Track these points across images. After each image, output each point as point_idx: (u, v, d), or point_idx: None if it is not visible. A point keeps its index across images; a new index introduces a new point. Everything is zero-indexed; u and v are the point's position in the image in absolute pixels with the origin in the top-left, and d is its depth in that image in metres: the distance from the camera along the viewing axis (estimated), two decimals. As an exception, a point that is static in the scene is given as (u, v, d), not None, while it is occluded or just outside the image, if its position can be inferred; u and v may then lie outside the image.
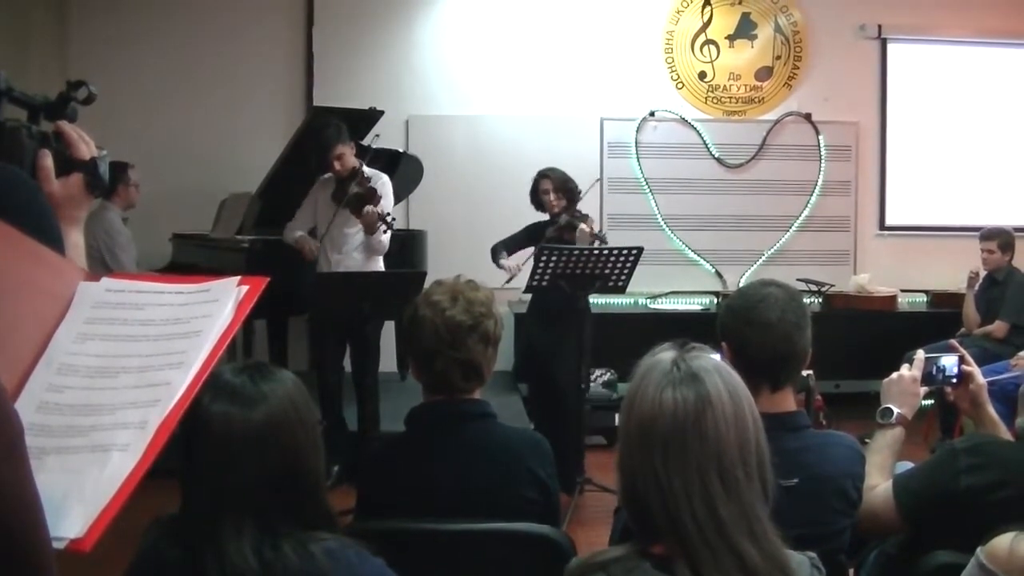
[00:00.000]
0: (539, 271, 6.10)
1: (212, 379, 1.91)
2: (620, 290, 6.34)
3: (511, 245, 6.90)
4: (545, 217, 6.85)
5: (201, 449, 1.87)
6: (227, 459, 1.86)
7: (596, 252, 6.14)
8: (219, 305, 1.68)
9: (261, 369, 1.99)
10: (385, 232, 6.28)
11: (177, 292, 1.73)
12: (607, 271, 6.14)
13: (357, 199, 6.25)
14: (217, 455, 1.87)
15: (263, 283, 1.73)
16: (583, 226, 6.53)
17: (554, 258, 6.06)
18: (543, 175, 6.83)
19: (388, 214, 6.26)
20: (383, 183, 6.46)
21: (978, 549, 2.11)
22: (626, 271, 6.18)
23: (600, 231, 6.65)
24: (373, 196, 6.24)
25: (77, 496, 1.45)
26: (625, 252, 6.13)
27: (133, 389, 1.58)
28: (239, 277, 1.75)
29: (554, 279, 6.11)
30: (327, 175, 6.52)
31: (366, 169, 6.45)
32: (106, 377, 1.61)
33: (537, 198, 6.83)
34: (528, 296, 6.83)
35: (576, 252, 6.10)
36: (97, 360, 1.62)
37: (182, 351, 1.62)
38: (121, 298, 1.71)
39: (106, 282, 1.73)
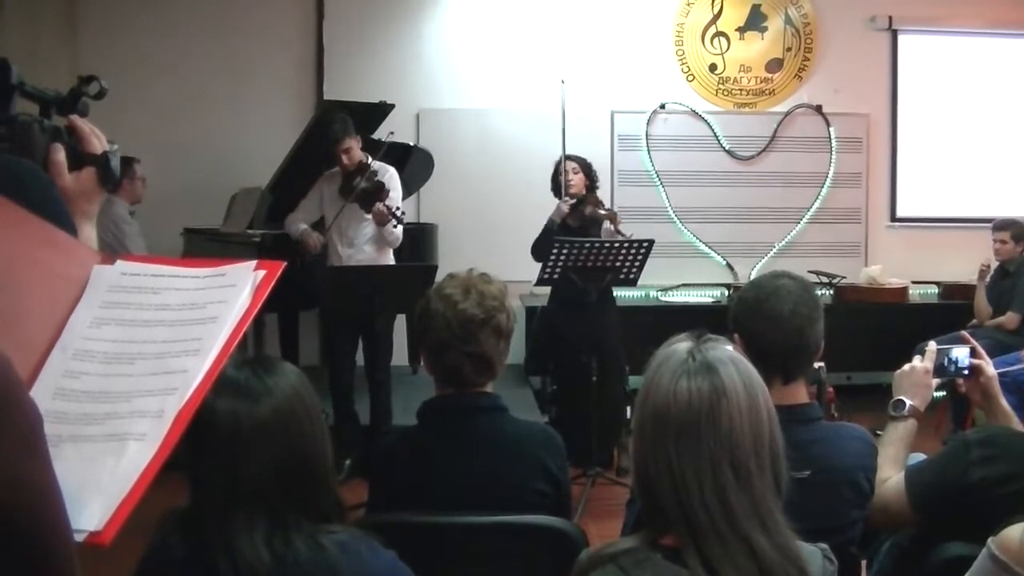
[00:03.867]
0: (551, 264, 6.10)
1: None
2: (631, 283, 6.35)
3: None
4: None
5: (209, 446, 1.87)
6: (236, 455, 1.86)
7: (608, 245, 6.14)
8: (236, 291, 1.66)
9: (264, 363, 1.99)
10: (396, 226, 6.28)
11: (193, 276, 1.71)
12: (618, 264, 6.14)
13: (364, 194, 6.26)
14: (226, 451, 1.87)
15: (280, 267, 1.70)
16: (608, 225, 6.55)
17: (565, 251, 6.06)
18: (567, 157, 6.87)
19: (398, 208, 6.26)
20: (390, 176, 6.47)
21: (989, 540, 2.10)
22: (637, 264, 6.18)
23: (630, 236, 6.64)
24: (381, 191, 6.25)
25: (94, 487, 1.43)
26: (636, 245, 6.13)
27: (150, 376, 1.56)
28: (255, 261, 1.72)
29: (565, 272, 6.10)
30: (334, 169, 6.53)
31: (373, 162, 6.46)
32: (122, 363, 1.59)
33: (557, 180, 6.84)
34: (539, 289, 6.84)
35: (588, 245, 6.10)
36: (113, 345, 1.60)
37: (198, 337, 1.60)
38: (136, 282, 1.69)
39: (121, 265, 1.71)
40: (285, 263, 1.72)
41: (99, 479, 1.45)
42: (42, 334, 1.58)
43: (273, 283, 1.68)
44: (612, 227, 6.55)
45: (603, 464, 6.37)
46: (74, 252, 1.68)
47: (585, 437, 6.07)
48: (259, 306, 1.66)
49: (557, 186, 6.87)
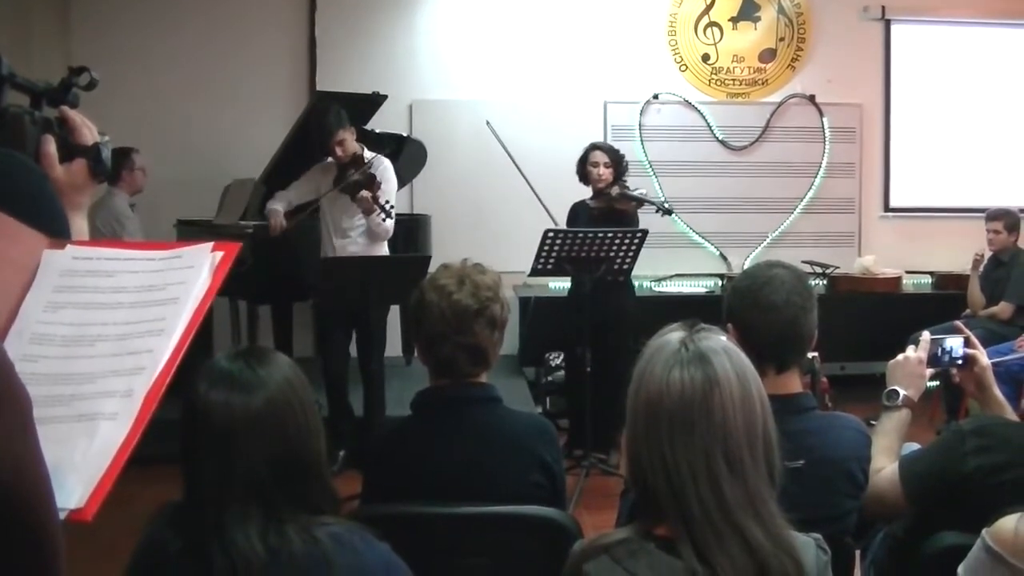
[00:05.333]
0: (544, 254, 6.09)
1: (208, 367, 1.92)
2: (625, 274, 6.34)
3: None
4: (577, 198, 6.87)
5: (203, 438, 1.88)
6: (230, 447, 1.87)
7: (600, 235, 6.12)
8: (195, 271, 1.67)
9: (256, 354, 1.99)
10: (385, 220, 6.26)
11: (148, 259, 1.72)
12: (612, 254, 6.13)
13: (356, 186, 6.24)
14: (220, 443, 1.88)
15: (236, 248, 1.71)
16: (641, 190, 6.52)
17: (559, 241, 6.05)
18: (595, 146, 6.81)
19: (388, 202, 6.25)
20: (384, 168, 6.45)
21: (983, 531, 2.11)
22: (631, 254, 6.17)
23: (663, 201, 6.62)
24: (372, 183, 6.23)
25: (69, 466, 1.45)
26: (630, 235, 6.12)
27: (113, 357, 1.57)
28: (212, 243, 1.72)
29: (559, 263, 6.10)
30: (328, 160, 6.51)
31: (367, 153, 6.45)
32: (82, 345, 1.60)
33: (584, 169, 6.74)
34: (533, 280, 6.84)
35: (580, 235, 6.09)
36: (71, 329, 1.61)
37: (161, 318, 1.61)
38: (90, 265, 1.69)
39: (72, 249, 1.71)
40: (240, 244, 1.74)
41: (72, 459, 1.46)
42: None
43: (230, 264, 1.69)
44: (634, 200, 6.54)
45: (601, 453, 6.39)
46: (19, 237, 1.67)
47: (583, 426, 6.11)
48: (218, 287, 1.67)
49: (584, 175, 6.77)
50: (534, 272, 6.26)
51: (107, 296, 1.66)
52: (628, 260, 6.20)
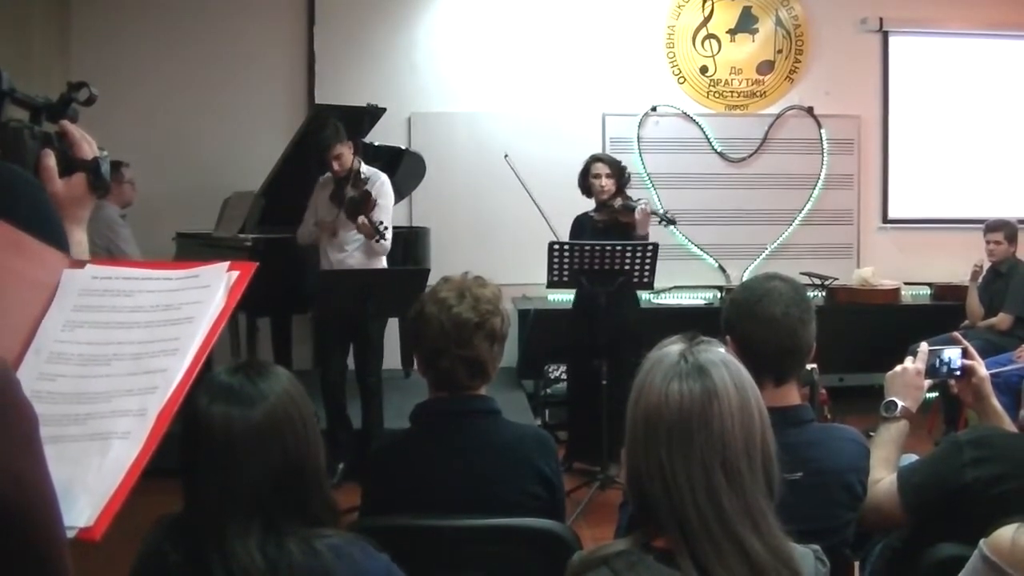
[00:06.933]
0: (555, 266, 6.07)
1: (208, 381, 1.92)
2: (647, 286, 6.30)
3: None
4: (577, 210, 6.83)
5: (203, 451, 1.88)
6: (230, 460, 1.87)
7: (609, 248, 6.09)
8: (210, 291, 1.68)
9: (256, 367, 1.99)
10: (380, 240, 6.22)
11: (166, 278, 1.73)
12: (627, 267, 6.08)
13: (352, 204, 6.20)
14: (220, 457, 1.87)
15: (252, 268, 1.72)
16: (643, 205, 6.47)
17: (567, 253, 6.04)
18: (596, 158, 6.78)
19: (381, 223, 6.20)
20: (381, 184, 6.43)
21: (981, 541, 2.11)
22: (648, 267, 6.10)
23: (665, 212, 6.63)
24: (368, 201, 6.19)
25: (81, 485, 1.45)
26: (641, 248, 6.09)
27: (128, 376, 1.58)
28: (228, 263, 1.74)
29: (574, 275, 6.07)
30: (327, 175, 6.50)
31: (364, 168, 6.43)
32: (99, 364, 1.61)
33: (586, 182, 6.70)
34: (532, 292, 6.81)
35: (588, 247, 6.07)
36: (88, 348, 1.62)
37: (175, 337, 1.62)
38: (108, 285, 1.71)
39: (91, 269, 1.73)
40: (257, 264, 1.75)
41: (84, 478, 1.47)
42: (14, 340, 1.59)
43: (246, 284, 1.69)
44: (647, 210, 6.46)
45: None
46: (42, 257, 1.69)
47: (596, 439, 6.10)
48: (233, 307, 1.67)
49: (586, 188, 6.73)
50: (551, 284, 6.22)
51: (124, 315, 1.67)
52: (647, 272, 6.14)
